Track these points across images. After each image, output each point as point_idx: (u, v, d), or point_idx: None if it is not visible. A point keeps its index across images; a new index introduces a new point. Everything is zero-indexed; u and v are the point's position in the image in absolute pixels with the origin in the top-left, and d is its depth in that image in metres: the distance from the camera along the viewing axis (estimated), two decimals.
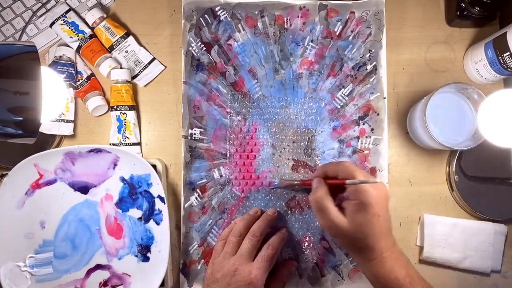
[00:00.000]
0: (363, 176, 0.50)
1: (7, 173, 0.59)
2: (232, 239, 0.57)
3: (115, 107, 0.67)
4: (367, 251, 0.50)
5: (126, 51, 0.68)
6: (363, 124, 0.66)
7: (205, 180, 0.66)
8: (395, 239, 0.52)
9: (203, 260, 0.65)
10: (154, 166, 0.63)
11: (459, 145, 0.61)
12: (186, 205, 0.65)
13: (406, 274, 0.49)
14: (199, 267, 0.65)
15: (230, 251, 0.56)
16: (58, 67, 0.66)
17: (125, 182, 0.62)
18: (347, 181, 0.50)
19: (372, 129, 0.66)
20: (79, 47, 0.67)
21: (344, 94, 0.67)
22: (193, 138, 0.66)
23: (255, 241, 0.56)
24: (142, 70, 0.69)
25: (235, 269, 0.54)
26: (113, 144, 0.67)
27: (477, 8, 0.64)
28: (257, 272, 0.53)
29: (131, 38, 0.69)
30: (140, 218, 0.62)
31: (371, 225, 0.49)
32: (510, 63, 0.61)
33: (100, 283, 0.62)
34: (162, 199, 0.60)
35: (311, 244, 0.65)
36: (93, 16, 0.67)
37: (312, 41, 0.67)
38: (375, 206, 0.48)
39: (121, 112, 0.67)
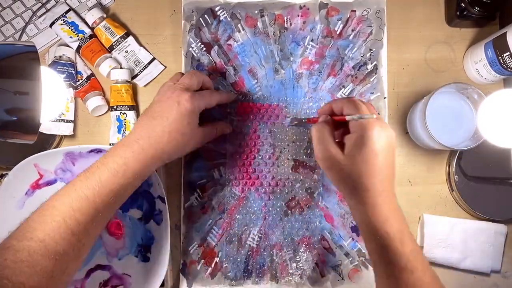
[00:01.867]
0: (365, 109, 0.47)
1: (7, 173, 0.59)
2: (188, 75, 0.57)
3: (115, 107, 0.67)
4: (360, 190, 0.46)
5: (126, 51, 0.68)
6: None
7: (205, 180, 0.66)
8: (395, 195, 0.48)
9: (203, 260, 0.65)
10: None
11: (459, 145, 0.61)
12: (186, 205, 0.65)
13: (398, 229, 0.45)
14: (199, 267, 0.65)
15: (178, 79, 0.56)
16: (58, 67, 0.66)
17: None
18: (347, 117, 0.47)
19: None
20: (79, 47, 0.67)
21: (344, 94, 0.67)
22: None
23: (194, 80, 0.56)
24: (142, 70, 0.69)
25: (172, 90, 0.54)
26: (113, 144, 0.67)
27: (477, 8, 0.64)
28: (190, 96, 0.53)
29: (131, 38, 0.69)
30: (140, 218, 0.62)
31: (366, 161, 0.45)
32: (510, 63, 0.61)
33: (100, 284, 0.62)
34: (162, 199, 0.60)
35: (311, 244, 0.65)
36: (93, 16, 0.67)
37: (312, 40, 0.67)
38: (375, 143, 0.45)
39: (121, 112, 0.67)
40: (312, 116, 0.64)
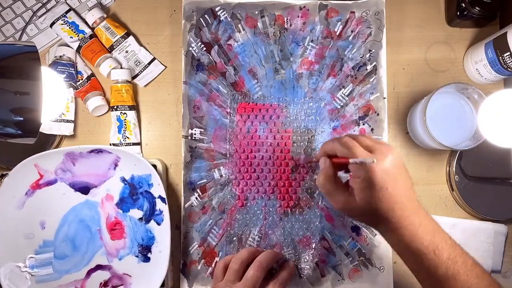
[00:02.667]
0: (362, 151, 0.48)
1: (7, 173, 0.59)
2: (234, 266, 0.56)
3: (115, 107, 0.67)
4: (385, 223, 0.47)
5: (126, 51, 0.68)
6: (363, 124, 0.66)
7: (205, 180, 0.66)
8: (419, 204, 0.48)
9: (203, 260, 0.65)
10: (154, 166, 0.63)
11: (459, 145, 0.61)
12: (186, 205, 0.65)
13: (429, 241, 0.46)
14: (199, 267, 0.65)
15: (233, 278, 0.55)
16: (58, 67, 0.66)
17: (125, 182, 0.62)
18: (350, 160, 0.48)
19: (372, 129, 0.66)
20: (79, 47, 0.67)
21: (344, 94, 0.67)
22: (193, 138, 0.66)
23: (261, 271, 0.55)
24: (142, 70, 0.69)
25: None
26: (113, 144, 0.67)
27: (477, 8, 0.64)
28: None
29: (131, 38, 0.69)
30: (140, 219, 0.62)
31: (380, 199, 0.46)
32: (510, 63, 0.61)
33: (101, 284, 0.62)
34: (163, 199, 0.60)
35: (311, 244, 0.65)
36: (93, 16, 0.67)
37: (312, 41, 0.67)
38: (380, 180, 0.46)
39: (121, 112, 0.67)
40: (313, 158, 0.64)
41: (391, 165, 0.47)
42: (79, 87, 0.68)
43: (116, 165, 0.62)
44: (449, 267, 0.45)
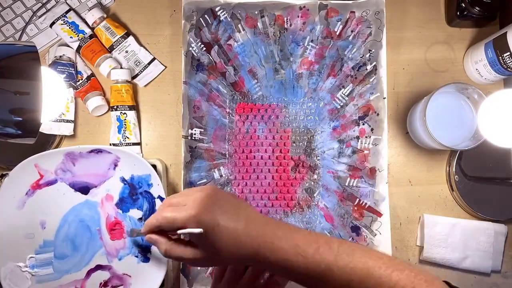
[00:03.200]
0: (171, 211, 0.44)
1: (7, 173, 0.59)
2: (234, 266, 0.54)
3: (115, 107, 0.67)
4: (248, 258, 0.44)
5: (126, 51, 0.68)
6: (363, 124, 0.66)
7: (205, 180, 0.66)
8: (258, 217, 0.45)
9: None
10: (154, 166, 0.63)
11: (459, 145, 0.61)
12: None
13: (293, 246, 0.42)
14: (199, 267, 0.65)
15: (232, 279, 0.53)
16: (58, 67, 0.66)
17: (125, 182, 0.62)
18: (178, 232, 0.44)
19: (372, 129, 0.66)
20: (79, 47, 0.67)
21: (344, 94, 0.67)
22: (193, 138, 0.66)
23: (260, 272, 0.53)
24: (142, 70, 0.69)
25: None
26: (113, 144, 0.67)
27: (477, 8, 0.64)
28: None
29: (131, 38, 0.69)
30: (140, 219, 0.62)
31: (218, 238, 0.43)
32: (510, 63, 0.61)
33: (101, 284, 0.61)
34: (162, 199, 0.60)
35: None
36: (93, 16, 0.67)
37: (312, 41, 0.67)
38: (207, 225, 0.43)
39: (121, 112, 0.67)
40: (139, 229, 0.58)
41: (201, 204, 0.43)
42: (79, 87, 0.68)
43: (116, 165, 0.62)
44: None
